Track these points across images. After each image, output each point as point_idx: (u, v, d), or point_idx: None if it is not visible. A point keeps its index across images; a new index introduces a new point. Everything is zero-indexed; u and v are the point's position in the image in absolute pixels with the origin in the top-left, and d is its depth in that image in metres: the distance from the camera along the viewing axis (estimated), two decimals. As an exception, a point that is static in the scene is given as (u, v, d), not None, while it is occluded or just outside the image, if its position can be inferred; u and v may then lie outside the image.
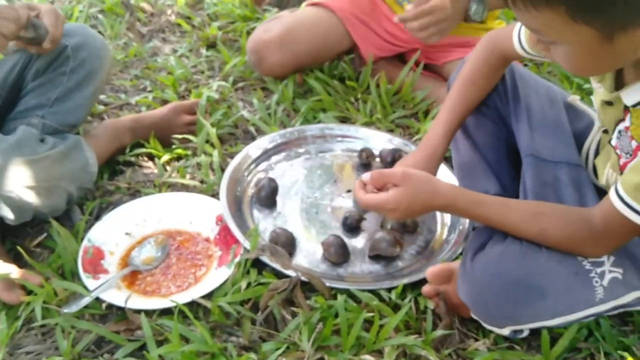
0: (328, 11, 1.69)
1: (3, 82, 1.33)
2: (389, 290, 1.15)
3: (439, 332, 1.07)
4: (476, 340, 1.09)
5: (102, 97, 1.70)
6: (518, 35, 1.09)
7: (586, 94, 1.70)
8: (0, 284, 1.11)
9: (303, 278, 1.11)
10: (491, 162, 1.24)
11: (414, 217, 1.22)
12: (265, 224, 1.31)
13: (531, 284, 0.92)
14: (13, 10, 1.16)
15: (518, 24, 1.09)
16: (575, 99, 1.20)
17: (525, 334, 0.99)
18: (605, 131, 1.01)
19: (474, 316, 1.01)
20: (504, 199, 1.01)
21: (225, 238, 1.25)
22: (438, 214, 1.36)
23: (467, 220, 1.29)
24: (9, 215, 1.13)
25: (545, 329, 1.02)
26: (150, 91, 1.76)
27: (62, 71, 1.34)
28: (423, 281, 1.16)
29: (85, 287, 1.12)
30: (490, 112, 1.24)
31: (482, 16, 1.53)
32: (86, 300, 1.09)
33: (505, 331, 0.99)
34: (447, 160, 1.46)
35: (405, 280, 1.16)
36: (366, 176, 1.03)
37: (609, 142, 0.99)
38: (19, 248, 1.18)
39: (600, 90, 0.98)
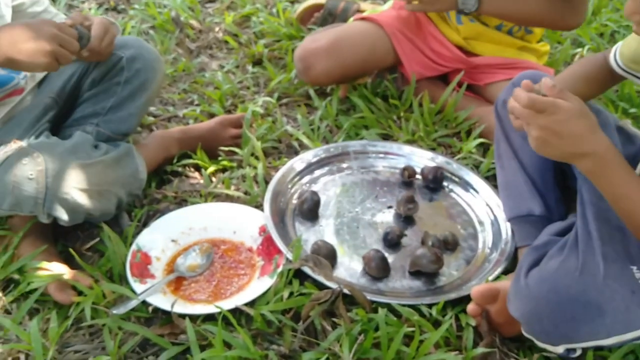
0: (376, 26, 1.72)
1: (61, 90, 1.39)
2: (430, 306, 1.15)
3: (480, 350, 1.07)
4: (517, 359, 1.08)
5: (151, 109, 1.75)
6: (615, 49, 1.16)
7: (632, 118, 1.68)
8: (53, 285, 1.15)
9: (345, 290, 1.12)
10: (537, 183, 1.24)
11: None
12: (306, 236, 1.33)
13: (589, 301, 0.92)
14: (72, 30, 1.19)
15: (619, 43, 1.17)
16: (626, 122, 1.20)
17: (578, 353, 0.98)
18: None
19: (525, 334, 1.01)
20: None
21: (268, 248, 1.27)
22: (480, 231, 1.36)
23: (510, 240, 1.29)
24: (64, 216, 1.18)
25: (591, 351, 1.01)
26: (197, 105, 1.81)
27: (117, 81, 1.39)
28: (464, 298, 1.17)
29: (132, 291, 1.15)
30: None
31: (471, 8, 1.57)
32: (133, 303, 1.12)
33: (560, 349, 0.97)
34: (489, 179, 1.46)
35: (447, 297, 1.16)
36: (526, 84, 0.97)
37: None
38: (70, 250, 1.23)
39: None
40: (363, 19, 1.78)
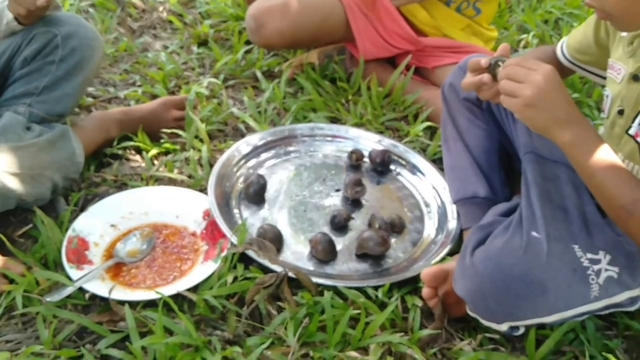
0: None
1: (-10, 69, 1.32)
2: (376, 288, 1.15)
3: (426, 332, 1.07)
4: (462, 340, 1.08)
5: (90, 89, 1.68)
6: (562, 42, 1.24)
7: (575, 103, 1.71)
8: (-18, 273, 1.09)
9: (290, 274, 1.10)
10: (482, 165, 1.25)
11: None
12: (252, 220, 1.30)
13: (532, 280, 0.92)
14: None
15: (565, 38, 1.24)
16: None
17: (522, 331, 0.99)
18: (621, 112, 1.01)
19: (470, 312, 1.01)
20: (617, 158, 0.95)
21: (212, 233, 1.24)
22: (426, 213, 1.37)
23: (455, 222, 1.30)
24: (-7, 202, 1.12)
25: (534, 329, 1.02)
26: (139, 86, 1.75)
27: (51, 60, 1.32)
28: (410, 280, 1.17)
29: (68, 277, 1.10)
30: (484, 114, 1.24)
31: None
32: (69, 290, 1.07)
33: (503, 327, 0.98)
34: (436, 162, 1.47)
35: (393, 279, 1.16)
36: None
37: (627, 131, 0.99)
38: (1, 236, 1.16)
39: (622, 72, 1.01)
40: None
